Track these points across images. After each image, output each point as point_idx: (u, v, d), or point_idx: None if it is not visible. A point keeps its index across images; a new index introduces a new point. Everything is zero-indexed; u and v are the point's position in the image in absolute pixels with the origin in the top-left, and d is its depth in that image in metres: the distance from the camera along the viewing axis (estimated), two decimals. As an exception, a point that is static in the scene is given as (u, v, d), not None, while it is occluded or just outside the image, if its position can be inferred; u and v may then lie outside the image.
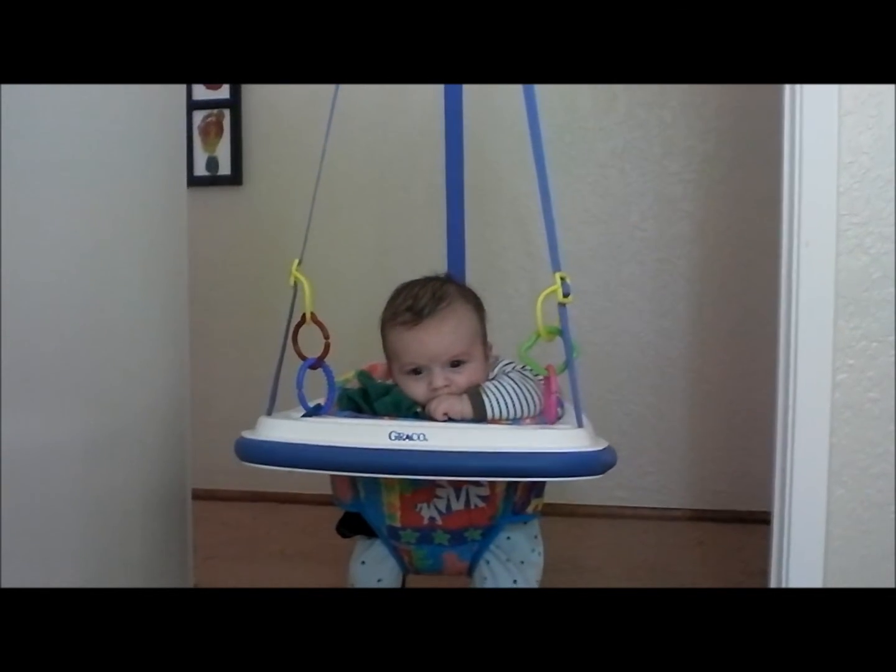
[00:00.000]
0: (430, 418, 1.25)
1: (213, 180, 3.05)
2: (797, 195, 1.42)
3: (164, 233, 1.69)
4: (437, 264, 1.52)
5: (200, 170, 3.03)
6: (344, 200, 2.76)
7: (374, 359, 1.45)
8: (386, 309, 1.37)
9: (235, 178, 3.05)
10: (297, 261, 1.31)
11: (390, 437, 1.13)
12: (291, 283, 1.29)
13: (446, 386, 1.28)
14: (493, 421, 1.26)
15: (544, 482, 1.36)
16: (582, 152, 2.76)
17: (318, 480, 1.26)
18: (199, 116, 3.03)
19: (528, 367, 1.32)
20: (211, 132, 3.04)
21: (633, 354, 2.79)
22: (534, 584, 1.40)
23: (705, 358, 2.81)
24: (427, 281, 1.36)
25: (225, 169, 3.05)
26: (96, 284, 1.46)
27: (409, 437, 1.13)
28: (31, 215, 1.29)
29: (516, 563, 1.38)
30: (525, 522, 1.39)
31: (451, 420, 1.24)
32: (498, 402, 1.26)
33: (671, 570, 2.26)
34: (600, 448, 1.14)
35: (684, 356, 2.83)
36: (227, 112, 3.03)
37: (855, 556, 1.45)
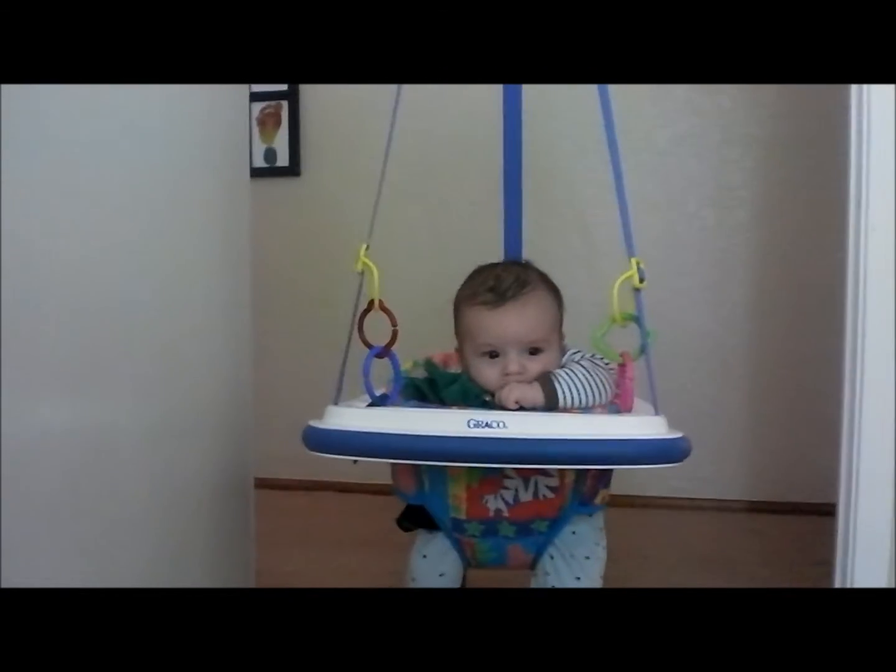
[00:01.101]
0: (500, 406, 1.23)
1: (271, 171, 3.08)
2: (864, 180, 1.39)
3: (227, 223, 1.71)
4: (494, 255, 1.51)
5: (259, 161, 3.06)
6: (401, 189, 2.76)
7: (429, 349, 1.44)
8: (464, 288, 1.35)
9: (293, 168, 3.07)
10: (365, 246, 1.29)
11: (469, 425, 1.11)
12: (359, 268, 1.27)
13: (519, 373, 1.26)
14: (564, 409, 1.24)
15: (611, 472, 1.36)
16: (639, 139, 2.73)
17: (375, 469, 1.23)
18: (256, 108, 3.05)
19: (597, 355, 1.31)
20: (269, 123, 3.07)
21: (691, 344, 2.76)
22: (597, 581, 1.38)
23: (764, 347, 2.78)
24: (509, 264, 1.35)
25: (283, 160, 3.07)
26: (161, 275, 1.48)
27: (487, 425, 1.11)
28: (97, 209, 1.31)
29: (580, 559, 1.36)
30: (590, 514, 1.38)
31: (521, 408, 1.22)
32: (570, 390, 1.24)
33: (729, 561, 2.25)
34: (679, 435, 1.13)
35: (743, 345, 2.80)
36: (284, 103, 3.06)
37: (922, 546, 1.42)
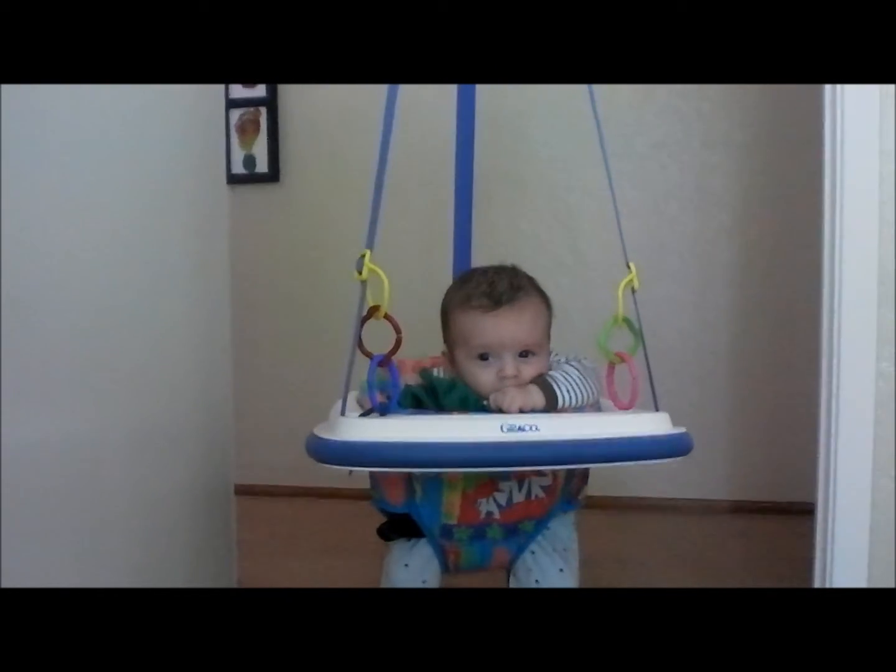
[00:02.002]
0: (497, 410, 1.22)
1: (250, 178, 3.07)
2: (839, 185, 1.40)
3: (205, 230, 1.71)
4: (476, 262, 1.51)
5: (238, 168, 3.05)
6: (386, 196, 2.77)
7: (412, 356, 1.43)
8: (455, 292, 1.34)
9: (273, 175, 3.07)
10: (368, 252, 1.19)
11: (502, 430, 1.09)
12: (364, 276, 1.17)
13: (515, 376, 1.26)
14: (561, 410, 1.25)
15: (588, 470, 1.39)
16: (620, 145, 2.74)
17: (358, 476, 1.19)
18: (235, 114, 3.05)
19: (580, 357, 1.33)
20: (248, 130, 3.06)
21: (674, 347, 2.77)
22: (576, 571, 1.40)
23: (747, 350, 2.79)
24: (500, 269, 1.34)
25: (262, 167, 3.07)
26: (139, 283, 1.47)
27: (521, 429, 1.09)
28: (74, 217, 1.31)
29: (560, 551, 1.38)
30: (565, 512, 1.39)
31: (521, 412, 1.21)
32: (568, 392, 1.25)
33: (713, 562, 2.25)
34: (684, 430, 1.19)
35: (725, 348, 2.81)
36: (263, 110, 3.05)
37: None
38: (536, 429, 1.10)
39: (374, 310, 1.18)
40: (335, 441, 1.09)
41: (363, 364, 1.17)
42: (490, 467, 1.15)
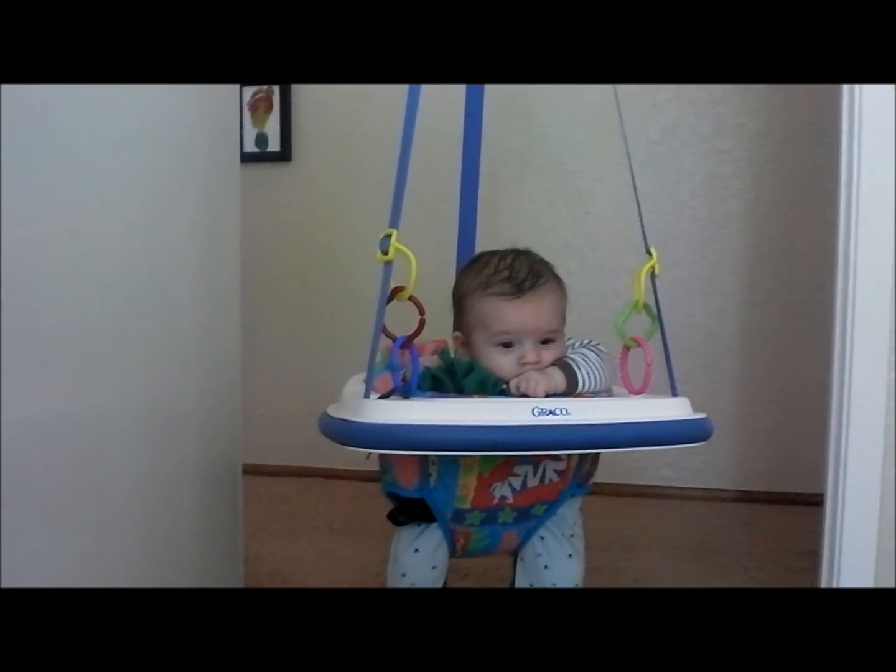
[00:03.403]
0: (519, 394, 1.22)
1: (262, 156, 3.07)
2: (855, 171, 1.39)
3: (216, 209, 1.70)
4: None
5: (250, 146, 3.05)
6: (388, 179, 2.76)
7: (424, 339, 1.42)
8: (472, 277, 1.33)
9: (285, 154, 3.06)
10: (395, 232, 1.16)
11: (534, 413, 1.10)
12: (391, 256, 1.15)
13: (536, 362, 1.26)
14: (580, 394, 1.26)
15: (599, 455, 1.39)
16: (631, 130, 2.72)
17: (371, 458, 1.20)
18: (248, 93, 3.05)
19: (594, 342, 1.33)
20: (260, 108, 3.06)
21: (681, 333, 2.76)
22: (583, 557, 1.41)
23: (756, 338, 2.78)
24: (517, 254, 1.34)
25: (274, 145, 3.07)
26: (149, 261, 1.47)
27: (552, 412, 1.10)
28: (86, 193, 1.30)
29: (567, 536, 1.39)
30: (574, 495, 1.40)
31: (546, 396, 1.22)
32: (589, 375, 1.26)
33: (718, 551, 2.25)
34: (705, 415, 1.21)
35: (734, 335, 2.80)
36: (276, 88, 3.05)
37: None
38: (567, 412, 1.11)
39: (398, 290, 1.17)
40: (362, 423, 1.08)
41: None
42: (523, 451, 1.15)
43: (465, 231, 1.63)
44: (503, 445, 1.09)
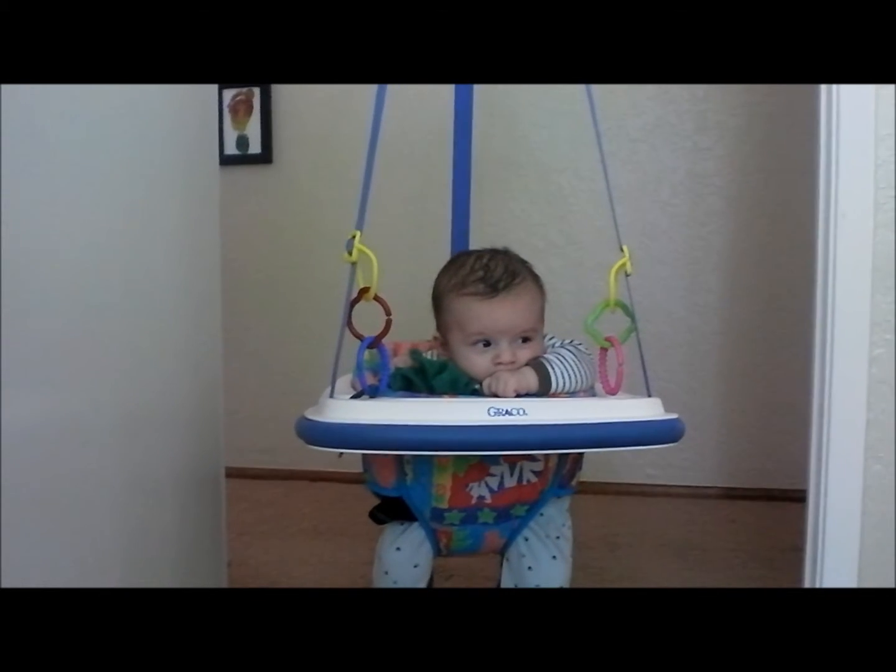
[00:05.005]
0: (491, 394, 1.22)
1: (243, 159, 3.06)
2: (834, 168, 1.40)
3: (196, 211, 1.69)
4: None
5: (231, 148, 3.05)
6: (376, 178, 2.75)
7: (407, 339, 1.42)
8: (448, 277, 1.33)
9: (265, 156, 3.06)
10: (358, 233, 1.19)
11: (489, 413, 1.10)
12: (354, 258, 1.17)
13: (512, 362, 1.26)
14: (554, 394, 1.25)
15: (583, 455, 1.38)
16: (612, 128, 2.73)
17: (349, 459, 1.19)
18: (228, 95, 3.04)
19: (575, 341, 1.33)
20: (240, 111, 3.05)
21: (664, 331, 2.78)
22: (569, 559, 1.40)
23: (738, 334, 2.80)
24: (494, 253, 1.34)
25: (255, 147, 3.06)
26: (129, 264, 1.46)
27: (508, 413, 1.10)
28: (65, 195, 1.29)
29: (552, 538, 1.38)
30: (559, 497, 1.39)
31: (517, 395, 1.21)
32: (562, 375, 1.25)
33: (703, 548, 2.26)
34: (676, 416, 1.17)
35: (716, 332, 2.81)
36: (256, 90, 3.04)
37: (892, 532, 1.43)
38: (524, 412, 1.10)
39: (363, 291, 1.17)
40: (322, 423, 1.10)
41: (354, 347, 1.17)
42: (476, 451, 1.15)
43: (458, 230, 1.63)
44: (456, 445, 1.10)
